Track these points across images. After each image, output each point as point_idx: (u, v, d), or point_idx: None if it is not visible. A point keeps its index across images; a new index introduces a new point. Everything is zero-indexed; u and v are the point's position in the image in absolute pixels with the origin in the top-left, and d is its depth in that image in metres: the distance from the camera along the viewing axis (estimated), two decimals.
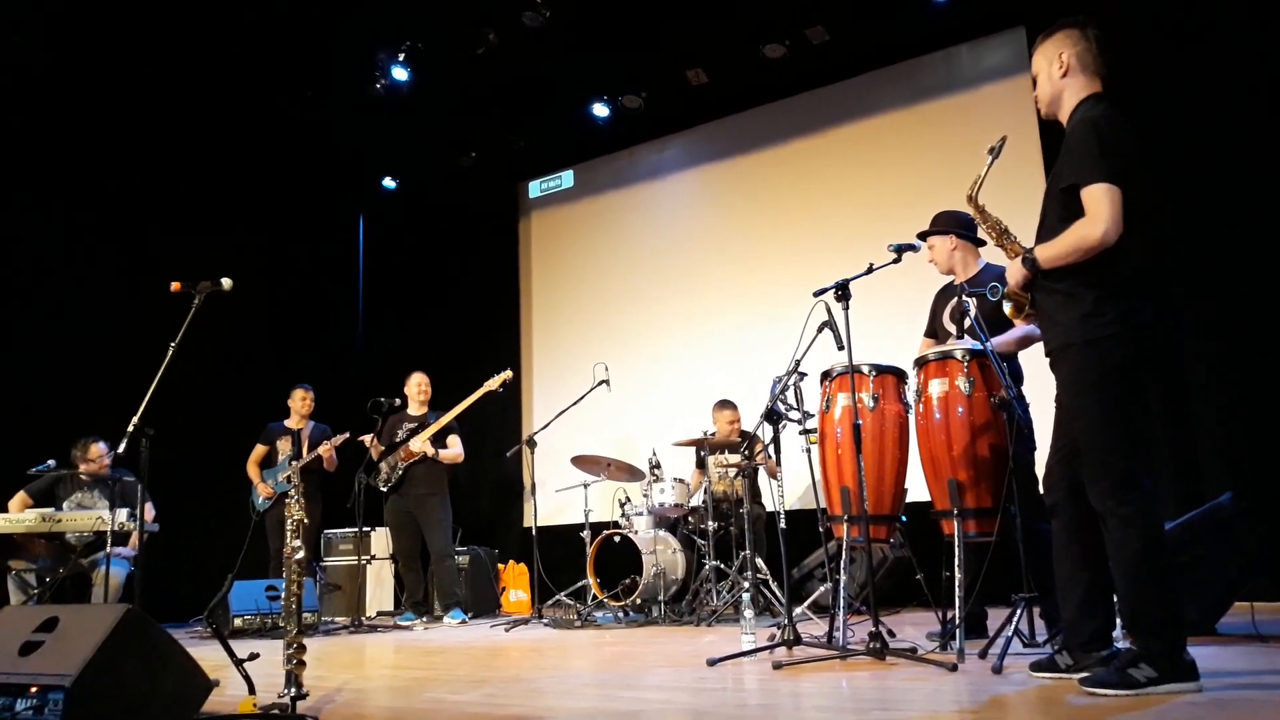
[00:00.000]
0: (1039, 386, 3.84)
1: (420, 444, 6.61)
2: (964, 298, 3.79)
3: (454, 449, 6.80)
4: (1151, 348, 2.69)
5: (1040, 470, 3.48)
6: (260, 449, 6.95)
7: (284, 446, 6.91)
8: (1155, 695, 2.45)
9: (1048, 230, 2.78)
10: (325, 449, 6.63)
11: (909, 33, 7.00)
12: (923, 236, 4.23)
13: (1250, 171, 5.37)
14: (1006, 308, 2.97)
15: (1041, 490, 2.96)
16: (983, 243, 4.12)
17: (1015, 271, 2.84)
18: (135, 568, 5.67)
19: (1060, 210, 2.73)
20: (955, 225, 4.17)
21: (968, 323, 3.66)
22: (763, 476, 6.17)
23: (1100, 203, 2.59)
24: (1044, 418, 3.63)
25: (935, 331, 4.37)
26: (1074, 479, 2.75)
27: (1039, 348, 3.05)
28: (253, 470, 6.90)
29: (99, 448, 6.01)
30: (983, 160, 3.07)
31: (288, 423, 7.02)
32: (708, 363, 7.69)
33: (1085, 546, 2.77)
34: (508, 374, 6.73)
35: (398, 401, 6.80)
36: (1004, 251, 3.02)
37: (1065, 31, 2.86)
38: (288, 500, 2.79)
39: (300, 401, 7.00)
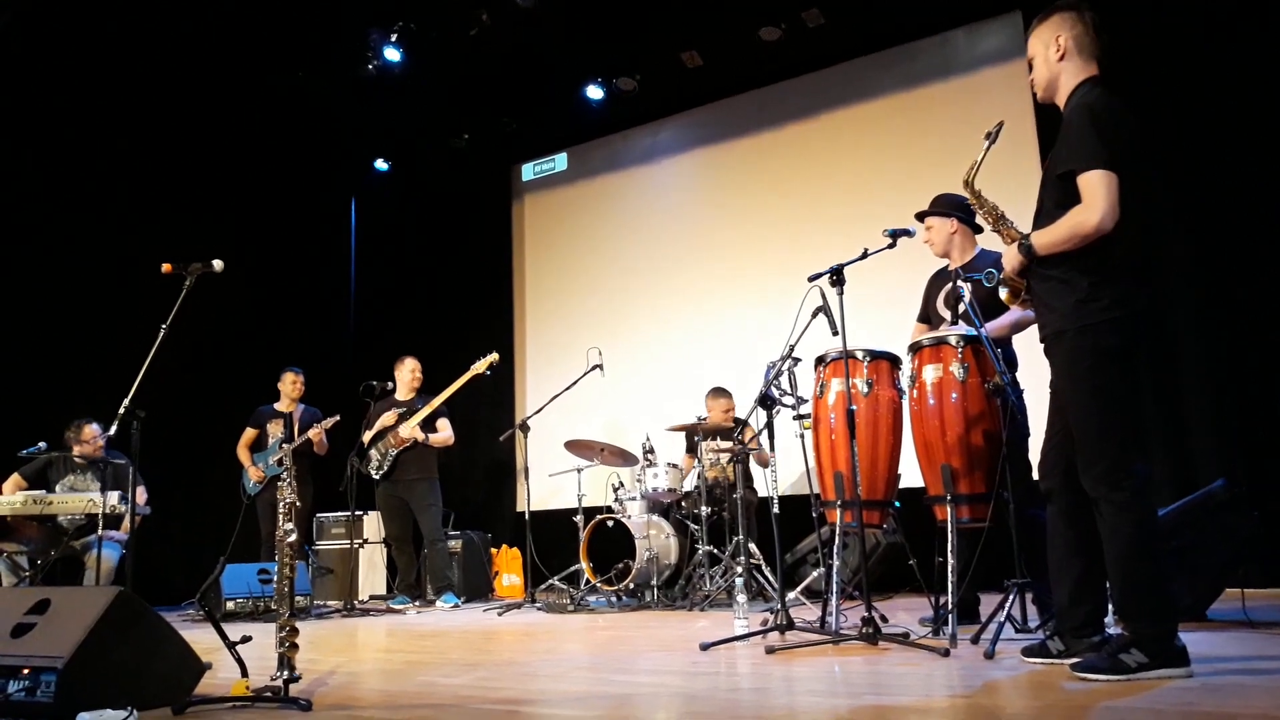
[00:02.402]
0: (1033, 372, 3.84)
1: (409, 430, 6.61)
2: (959, 283, 3.78)
3: (444, 433, 6.79)
4: (1146, 334, 2.69)
5: (1034, 456, 3.49)
6: (250, 432, 6.93)
7: (274, 429, 6.89)
8: (1146, 680, 2.46)
9: (1045, 216, 2.77)
10: (315, 432, 6.62)
11: (905, 16, 6.97)
12: (923, 216, 4.21)
13: (1247, 159, 5.37)
14: (1003, 293, 2.96)
15: (1036, 476, 2.97)
16: (980, 229, 4.11)
17: (1011, 257, 2.83)
18: (127, 550, 5.66)
19: (1057, 196, 2.72)
20: (956, 208, 4.14)
21: (962, 308, 3.65)
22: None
23: (1097, 189, 2.58)
24: (1038, 403, 3.65)
25: (928, 317, 4.36)
26: (1069, 465, 2.75)
27: (1032, 333, 3.05)
28: (243, 453, 6.88)
29: (93, 429, 5.98)
30: (979, 145, 3.06)
31: (278, 406, 7.00)
32: (701, 347, 7.68)
33: (1079, 532, 2.77)
34: (494, 356, 6.71)
35: (390, 385, 6.79)
36: (1000, 237, 3.01)
37: (1061, 14, 2.84)
38: (279, 483, 2.78)
39: (290, 384, 6.97)
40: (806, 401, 4.19)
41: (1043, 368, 2.90)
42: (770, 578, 5.28)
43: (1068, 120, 2.75)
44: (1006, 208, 3.10)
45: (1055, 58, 2.83)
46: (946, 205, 4.17)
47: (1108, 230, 2.58)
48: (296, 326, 8.22)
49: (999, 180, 3.63)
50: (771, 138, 7.72)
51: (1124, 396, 2.64)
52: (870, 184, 7.09)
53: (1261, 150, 5.32)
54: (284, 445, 6.71)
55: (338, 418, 6.64)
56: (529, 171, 9.09)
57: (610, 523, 5.87)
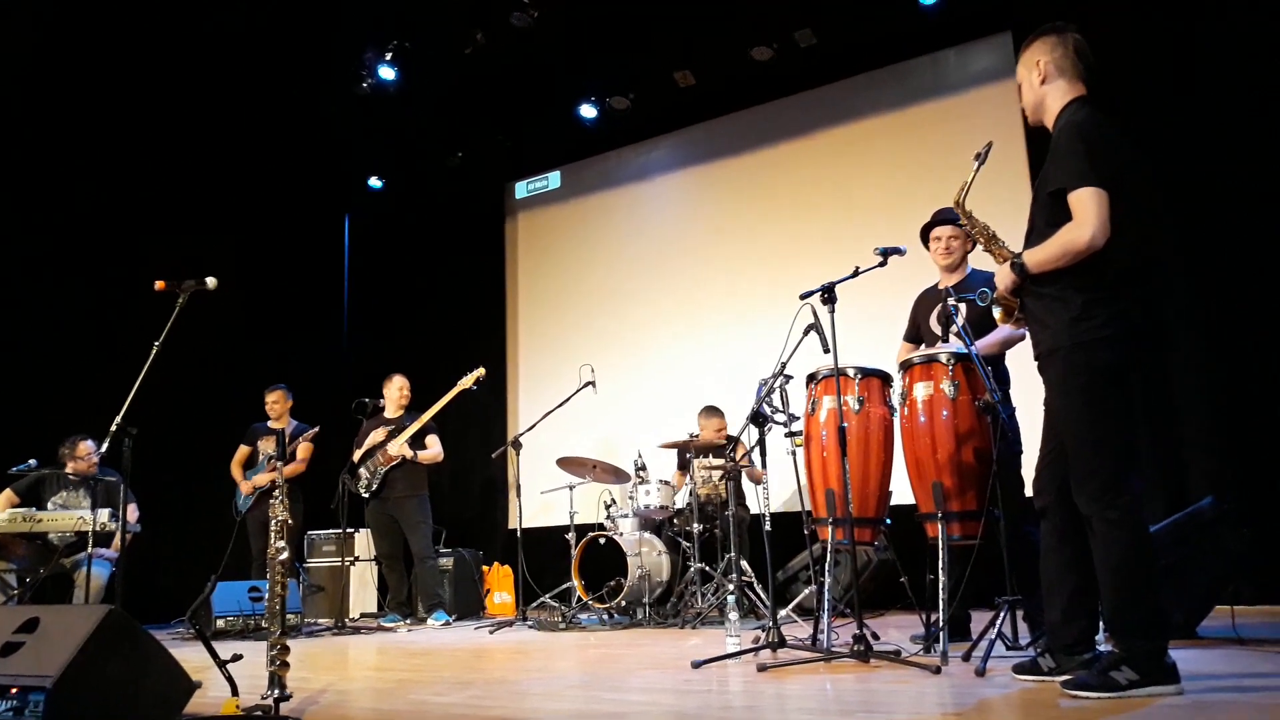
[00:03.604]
0: (1026, 389, 3.86)
1: (398, 448, 6.58)
2: (952, 302, 3.80)
3: (432, 449, 6.77)
4: (1140, 351, 2.70)
5: (1026, 473, 3.50)
6: (244, 450, 6.92)
7: (265, 446, 6.88)
8: (1136, 698, 2.47)
9: (1036, 235, 2.79)
10: (304, 447, 6.62)
11: (896, 36, 7.03)
12: (935, 226, 4.19)
13: (1237, 173, 5.40)
14: (996, 313, 2.98)
15: (1031, 493, 2.97)
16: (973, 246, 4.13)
17: (1004, 276, 2.85)
18: (117, 568, 5.63)
19: (1048, 215, 2.74)
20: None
21: (955, 327, 3.67)
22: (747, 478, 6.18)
23: (1087, 207, 2.60)
24: (1030, 421, 3.66)
25: (916, 336, 4.38)
26: (1064, 482, 2.75)
27: (1024, 350, 3.06)
28: (236, 471, 6.86)
29: (87, 445, 5.96)
30: (969, 166, 3.08)
31: (270, 423, 6.99)
32: (694, 365, 7.70)
33: (1073, 549, 2.77)
34: (480, 371, 6.71)
35: (381, 402, 6.79)
36: (992, 257, 3.03)
37: (1042, 39, 2.89)
38: (271, 501, 2.78)
39: (269, 404, 6.96)
40: (798, 419, 4.20)
41: (1035, 385, 2.91)
42: (762, 595, 5.27)
43: (1056, 140, 2.78)
44: (997, 227, 3.12)
45: (1037, 82, 2.88)
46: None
47: (1099, 247, 2.60)
48: (290, 344, 8.22)
49: (989, 199, 3.65)
50: (764, 156, 7.76)
51: (1117, 414, 2.65)
52: (862, 202, 7.13)
53: (1254, 164, 5.35)
54: (273, 461, 6.69)
55: (318, 429, 6.62)
56: (522, 189, 9.12)
57: (602, 540, 5.86)
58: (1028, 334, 2.92)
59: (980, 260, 3.91)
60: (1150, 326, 2.72)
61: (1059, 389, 2.76)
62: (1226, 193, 5.44)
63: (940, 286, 4.28)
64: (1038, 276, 2.75)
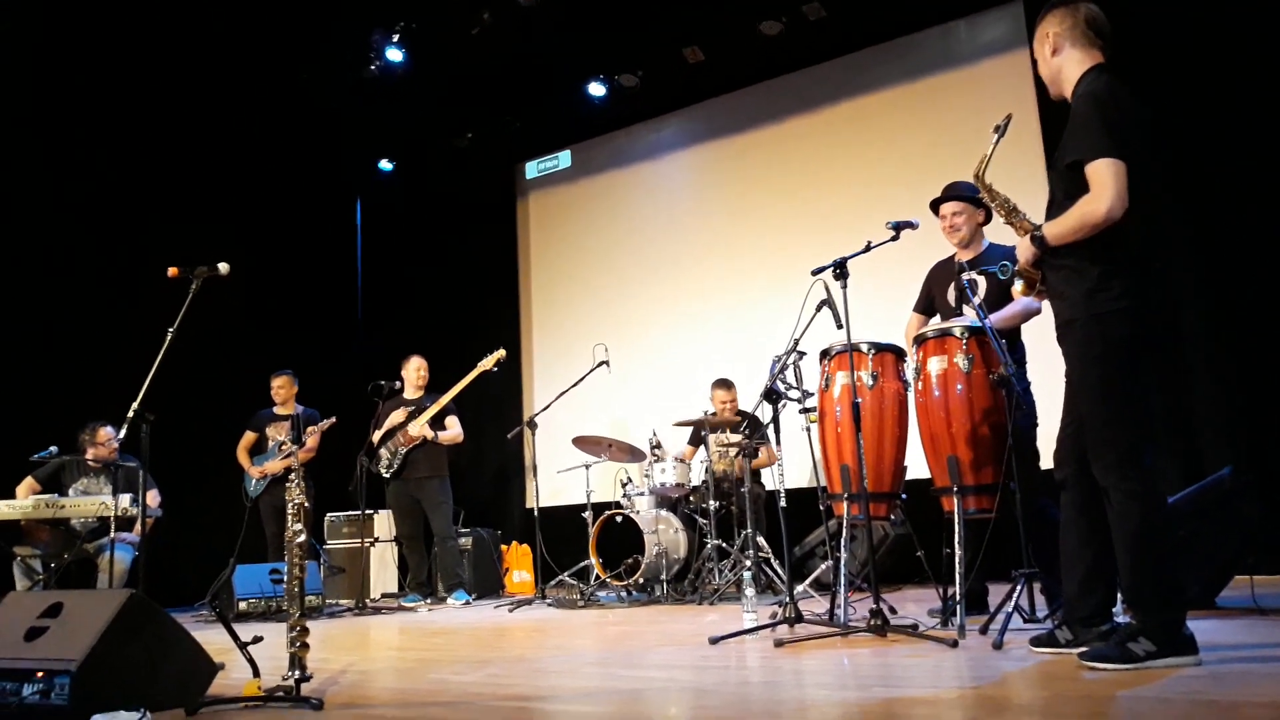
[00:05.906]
0: (1043, 362, 3.84)
1: (419, 428, 6.62)
2: (972, 275, 3.77)
3: (453, 430, 6.81)
4: (1156, 323, 2.68)
5: (1041, 446, 3.48)
6: (249, 436, 6.93)
7: (274, 433, 6.88)
8: (1154, 669, 2.46)
9: (1056, 207, 2.76)
10: (313, 436, 6.63)
11: (906, 8, 6.95)
12: (941, 202, 4.15)
13: (1250, 147, 5.34)
14: (1017, 285, 2.96)
15: (1052, 465, 2.96)
16: (989, 220, 4.10)
17: (1024, 249, 2.83)
18: (139, 553, 5.69)
19: (1066, 186, 2.71)
20: (979, 199, 4.04)
21: (976, 301, 3.63)
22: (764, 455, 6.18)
23: (1104, 178, 2.57)
24: (1045, 394, 3.65)
25: (929, 307, 4.35)
26: (1084, 454, 2.74)
27: (1041, 325, 3.04)
28: (242, 457, 6.88)
29: (107, 431, 6.01)
30: (984, 137, 3.05)
31: (276, 409, 7.01)
32: (707, 342, 7.69)
33: (1091, 522, 2.77)
34: (501, 353, 6.74)
35: (398, 384, 6.81)
36: (1013, 229, 3.00)
37: (1052, 12, 2.87)
38: (287, 485, 2.79)
39: (274, 390, 6.97)
40: (812, 395, 4.19)
41: (1054, 360, 2.89)
42: (779, 571, 5.29)
43: (1074, 110, 2.74)
44: (1011, 198, 3.09)
45: (1049, 54, 2.85)
46: (970, 194, 4.08)
47: (1116, 218, 2.57)
48: (303, 327, 8.25)
49: (1002, 171, 3.62)
50: (774, 132, 7.71)
51: (1134, 385, 2.64)
52: (873, 176, 7.08)
53: (1267, 135, 5.28)
54: (284, 445, 6.71)
55: (334, 419, 6.64)
56: (533, 169, 9.10)
57: (619, 518, 5.88)
58: (1045, 306, 2.90)
59: (998, 233, 3.88)
60: (1164, 297, 2.69)
61: (1076, 360, 2.74)
62: (1240, 164, 5.37)
63: (957, 258, 4.24)
64: (1056, 249, 2.73)
